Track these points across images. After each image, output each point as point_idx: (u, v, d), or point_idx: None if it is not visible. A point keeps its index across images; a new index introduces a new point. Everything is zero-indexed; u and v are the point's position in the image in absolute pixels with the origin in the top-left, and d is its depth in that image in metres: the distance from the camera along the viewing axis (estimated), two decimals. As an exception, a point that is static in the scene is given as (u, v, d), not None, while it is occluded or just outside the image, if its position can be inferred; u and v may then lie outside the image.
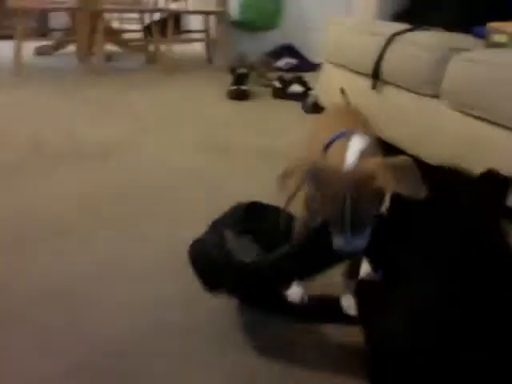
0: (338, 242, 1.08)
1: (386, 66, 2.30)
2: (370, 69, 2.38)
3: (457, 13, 2.36)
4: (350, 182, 1.03)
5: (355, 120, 1.39)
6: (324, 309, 1.35)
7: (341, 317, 1.29)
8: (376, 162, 1.03)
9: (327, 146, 1.21)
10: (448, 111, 1.99)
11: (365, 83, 2.44)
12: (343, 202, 1.03)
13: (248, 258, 1.24)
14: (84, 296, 1.35)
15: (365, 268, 1.33)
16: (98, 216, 1.79)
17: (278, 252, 1.24)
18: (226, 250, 1.23)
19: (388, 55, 2.29)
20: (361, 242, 1.07)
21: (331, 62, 2.88)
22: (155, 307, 1.32)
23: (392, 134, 2.24)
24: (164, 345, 1.18)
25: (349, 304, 1.32)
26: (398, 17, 2.66)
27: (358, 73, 2.56)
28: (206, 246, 1.26)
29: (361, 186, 1.03)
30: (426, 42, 2.13)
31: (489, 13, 2.25)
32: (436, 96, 2.07)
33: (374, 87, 2.38)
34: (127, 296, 1.35)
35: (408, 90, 2.20)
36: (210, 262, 1.23)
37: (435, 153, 2.00)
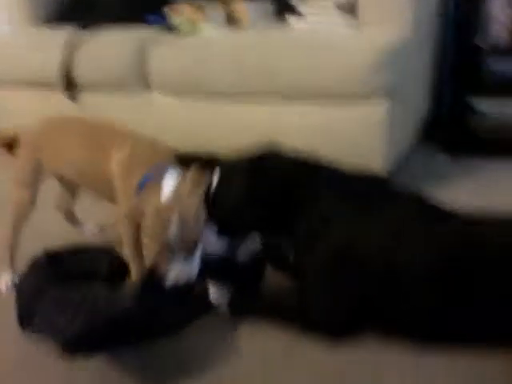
0: (172, 274, 1.19)
1: (80, 74, 2.17)
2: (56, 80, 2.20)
3: (121, 5, 2.36)
4: (172, 217, 1.17)
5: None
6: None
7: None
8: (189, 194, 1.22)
9: (140, 188, 1.27)
10: (165, 100, 2.05)
11: (60, 97, 2.26)
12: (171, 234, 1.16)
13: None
14: None
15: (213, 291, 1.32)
16: None
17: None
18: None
19: (78, 62, 2.15)
20: (192, 266, 1.20)
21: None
22: None
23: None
24: None
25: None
26: (58, 19, 2.49)
27: (44, 88, 2.33)
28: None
29: (182, 219, 1.18)
30: (116, 39, 2.11)
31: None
32: (148, 88, 2.09)
33: (72, 99, 2.23)
34: None
35: (114, 89, 2.14)
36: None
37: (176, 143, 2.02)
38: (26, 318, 1.24)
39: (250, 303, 1.30)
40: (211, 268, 1.27)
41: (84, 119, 1.61)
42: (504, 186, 1.84)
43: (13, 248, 1.56)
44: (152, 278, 1.22)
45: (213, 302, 1.30)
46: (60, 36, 2.19)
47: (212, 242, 1.26)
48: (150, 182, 1.26)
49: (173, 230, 1.16)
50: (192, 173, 1.27)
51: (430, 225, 1.17)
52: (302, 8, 2.00)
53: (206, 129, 2.02)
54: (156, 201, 1.20)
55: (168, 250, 1.18)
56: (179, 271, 1.18)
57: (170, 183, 1.24)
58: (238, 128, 1.96)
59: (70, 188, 1.69)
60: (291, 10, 2.09)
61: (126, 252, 1.37)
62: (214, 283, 1.31)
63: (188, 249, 1.19)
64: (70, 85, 2.19)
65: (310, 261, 1.21)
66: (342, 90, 1.73)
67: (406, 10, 1.74)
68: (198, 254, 1.21)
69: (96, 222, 1.80)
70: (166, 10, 2.15)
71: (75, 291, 1.24)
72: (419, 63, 1.98)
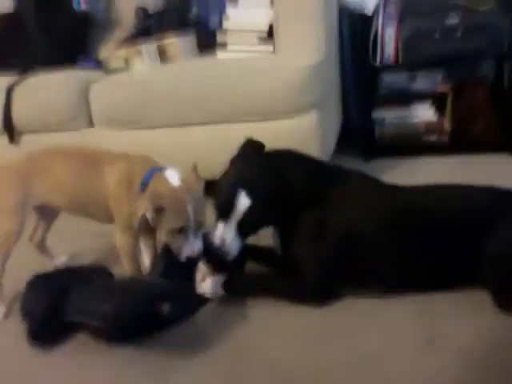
0: (188, 248, 1.41)
1: (19, 117, 2.25)
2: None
3: (49, 50, 2.47)
4: (188, 196, 1.38)
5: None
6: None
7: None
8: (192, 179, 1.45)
9: (143, 185, 1.45)
10: (107, 133, 2.19)
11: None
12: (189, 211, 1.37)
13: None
14: None
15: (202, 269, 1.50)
16: None
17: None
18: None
19: (17, 106, 2.23)
20: (200, 242, 1.42)
21: None
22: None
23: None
24: None
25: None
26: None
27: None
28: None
29: (196, 197, 1.40)
30: (56, 80, 2.22)
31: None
32: (90, 124, 2.22)
33: (11, 141, 2.29)
34: None
35: (56, 129, 2.24)
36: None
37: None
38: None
39: (244, 284, 1.50)
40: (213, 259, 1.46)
41: (70, 146, 1.72)
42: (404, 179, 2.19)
43: (0, 278, 1.62)
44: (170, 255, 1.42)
45: (208, 291, 1.48)
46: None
47: (230, 241, 1.45)
48: (156, 174, 1.44)
49: (189, 208, 1.36)
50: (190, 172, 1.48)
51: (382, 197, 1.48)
52: (223, 40, 2.25)
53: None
54: (170, 185, 1.40)
55: (184, 228, 1.38)
56: (192, 246, 1.40)
57: (173, 175, 1.44)
58: (179, 149, 2.12)
59: (47, 219, 1.77)
60: (214, 42, 2.34)
61: (125, 261, 1.51)
62: (208, 274, 1.49)
63: (198, 226, 1.40)
64: (9, 128, 2.27)
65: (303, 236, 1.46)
66: (276, 108, 1.99)
67: (319, 35, 2.06)
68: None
69: (66, 253, 1.90)
70: (99, 50, 2.31)
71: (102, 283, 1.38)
72: (332, 80, 2.31)
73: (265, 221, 1.50)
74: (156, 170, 1.47)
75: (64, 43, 2.52)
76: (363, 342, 1.31)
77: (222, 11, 2.33)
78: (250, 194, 1.41)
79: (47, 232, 1.81)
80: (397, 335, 1.31)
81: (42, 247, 1.82)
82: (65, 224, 1.82)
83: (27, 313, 1.43)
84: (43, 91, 2.22)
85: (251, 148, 1.55)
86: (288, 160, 1.50)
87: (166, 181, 1.42)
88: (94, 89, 2.18)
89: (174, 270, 1.43)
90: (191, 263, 1.44)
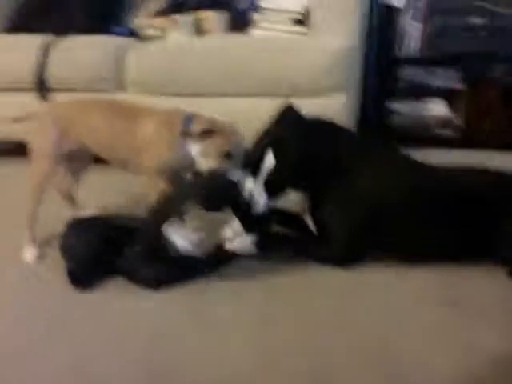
0: (235, 174, 1.52)
1: (53, 75, 2.31)
2: (29, 83, 2.33)
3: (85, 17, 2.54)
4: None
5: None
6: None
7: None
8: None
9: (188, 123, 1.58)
10: (139, 97, 2.26)
11: (27, 98, 2.36)
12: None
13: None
14: None
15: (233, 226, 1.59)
16: None
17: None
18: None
19: (52, 64, 2.30)
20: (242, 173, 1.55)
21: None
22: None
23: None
24: None
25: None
26: (14, 29, 2.60)
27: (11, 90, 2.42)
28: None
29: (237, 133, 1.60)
30: (90, 43, 2.30)
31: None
32: (122, 89, 2.29)
33: (44, 98, 2.36)
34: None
35: (88, 90, 2.31)
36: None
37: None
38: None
39: (275, 242, 1.60)
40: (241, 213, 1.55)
41: (105, 99, 1.84)
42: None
43: (33, 221, 1.69)
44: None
45: (238, 249, 1.57)
46: (34, 40, 2.33)
47: (257, 196, 1.54)
48: (196, 116, 1.56)
49: (234, 137, 1.54)
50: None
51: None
52: (258, 18, 2.34)
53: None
54: (221, 121, 1.55)
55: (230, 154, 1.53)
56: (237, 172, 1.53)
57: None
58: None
59: (76, 171, 1.84)
60: (244, 22, 2.43)
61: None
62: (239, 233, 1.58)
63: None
64: (43, 86, 2.33)
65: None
66: (304, 87, 2.09)
67: (351, 21, 2.16)
68: None
69: (93, 206, 1.97)
70: (135, 19, 2.39)
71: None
72: (358, 67, 2.41)
73: (291, 183, 1.59)
74: (193, 116, 1.58)
75: (99, 10, 2.59)
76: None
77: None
78: (278, 155, 1.51)
79: (75, 185, 1.86)
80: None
81: (69, 198, 1.87)
82: (93, 180, 1.90)
83: (72, 251, 1.50)
84: (80, 50, 2.29)
85: (289, 113, 1.64)
86: (323, 130, 1.59)
87: (210, 117, 1.57)
88: (131, 53, 2.26)
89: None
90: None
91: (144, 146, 1.57)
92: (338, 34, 2.12)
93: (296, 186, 1.61)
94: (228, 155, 1.53)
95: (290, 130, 1.58)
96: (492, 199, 1.51)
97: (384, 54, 2.61)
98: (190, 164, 1.59)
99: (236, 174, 1.52)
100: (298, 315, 1.38)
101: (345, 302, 1.43)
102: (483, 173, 1.59)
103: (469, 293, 1.43)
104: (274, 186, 1.55)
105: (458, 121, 2.72)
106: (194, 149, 1.55)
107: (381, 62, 2.65)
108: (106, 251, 1.48)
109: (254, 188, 1.52)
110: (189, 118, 1.57)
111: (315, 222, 1.61)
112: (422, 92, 2.73)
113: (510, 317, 1.34)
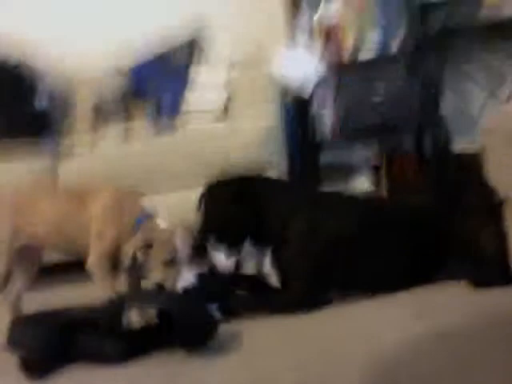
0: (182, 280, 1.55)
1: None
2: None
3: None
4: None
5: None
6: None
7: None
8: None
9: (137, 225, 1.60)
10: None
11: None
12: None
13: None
14: None
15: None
16: None
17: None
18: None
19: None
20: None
21: None
22: None
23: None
24: None
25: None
26: None
27: None
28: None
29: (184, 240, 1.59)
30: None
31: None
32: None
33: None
34: None
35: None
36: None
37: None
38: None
39: (239, 304, 1.59)
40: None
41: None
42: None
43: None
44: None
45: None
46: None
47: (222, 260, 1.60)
48: (148, 219, 1.58)
49: (178, 241, 1.51)
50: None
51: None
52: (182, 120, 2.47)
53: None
54: (162, 230, 1.55)
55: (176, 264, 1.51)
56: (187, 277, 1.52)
57: (162, 222, 1.59)
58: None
59: (27, 268, 1.76)
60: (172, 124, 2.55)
61: (101, 285, 1.58)
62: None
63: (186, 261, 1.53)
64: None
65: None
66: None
67: (267, 106, 2.35)
68: None
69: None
70: (62, 131, 2.44)
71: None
72: (282, 147, 2.54)
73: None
74: (148, 216, 1.61)
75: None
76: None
77: (176, 95, 2.58)
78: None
79: (25, 288, 1.78)
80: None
81: (15, 309, 1.77)
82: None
83: (22, 341, 1.42)
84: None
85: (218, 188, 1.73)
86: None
87: (157, 226, 1.59)
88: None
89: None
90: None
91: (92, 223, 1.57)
92: (256, 118, 2.29)
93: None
94: (170, 263, 1.55)
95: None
96: (436, 220, 1.62)
97: (304, 139, 2.80)
98: None
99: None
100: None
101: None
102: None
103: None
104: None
105: (383, 194, 2.89)
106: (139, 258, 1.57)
107: (302, 148, 2.84)
108: (58, 339, 1.41)
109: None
110: (140, 220, 1.60)
111: (280, 274, 1.64)
112: (344, 172, 2.91)
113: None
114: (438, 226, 1.62)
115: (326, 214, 1.63)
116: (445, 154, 2.82)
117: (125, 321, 1.40)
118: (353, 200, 1.76)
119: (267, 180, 1.79)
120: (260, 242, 1.69)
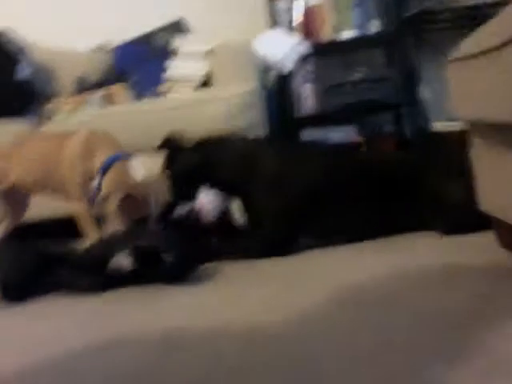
0: None
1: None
2: None
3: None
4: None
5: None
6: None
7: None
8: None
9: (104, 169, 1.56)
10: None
11: None
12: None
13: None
14: None
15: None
16: None
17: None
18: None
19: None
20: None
21: None
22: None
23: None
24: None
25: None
26: None
27: None
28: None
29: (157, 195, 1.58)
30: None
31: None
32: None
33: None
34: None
35: None
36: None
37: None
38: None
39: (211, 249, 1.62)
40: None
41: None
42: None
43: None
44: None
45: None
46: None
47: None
48: (117, 163, 1.55)
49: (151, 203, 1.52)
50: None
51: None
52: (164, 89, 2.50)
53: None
54: (131, 180, 1.54)
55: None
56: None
57: (137, 166, 1.56)
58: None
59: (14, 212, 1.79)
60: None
61: (86, 226, 1.57)
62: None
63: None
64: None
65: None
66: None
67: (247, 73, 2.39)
68: None
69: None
70: (48, 106, 2.45)
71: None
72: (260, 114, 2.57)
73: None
74: (119, 158, 1.58)
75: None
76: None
77: (158, 75, 2.61)
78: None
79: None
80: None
81: None
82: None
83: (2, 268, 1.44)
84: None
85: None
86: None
87: (127, 173, 1.56)
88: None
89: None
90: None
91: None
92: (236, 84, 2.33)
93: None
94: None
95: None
96: (408, 171, 1.65)
97: (284, 117, 2.83)
98: None
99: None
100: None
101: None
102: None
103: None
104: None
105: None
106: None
107: (283, 126, 2.87)
108: (38, 267, 1.43)
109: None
110: (108, 162, 1.58)
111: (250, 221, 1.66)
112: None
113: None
114: (410, 177, 1.65)
115: (299, 160, 1.65)
116: (423, 134, 2.86)
117: (113, 265, 1.42)
118: (326, 149, 1.78)
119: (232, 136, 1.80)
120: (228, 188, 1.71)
